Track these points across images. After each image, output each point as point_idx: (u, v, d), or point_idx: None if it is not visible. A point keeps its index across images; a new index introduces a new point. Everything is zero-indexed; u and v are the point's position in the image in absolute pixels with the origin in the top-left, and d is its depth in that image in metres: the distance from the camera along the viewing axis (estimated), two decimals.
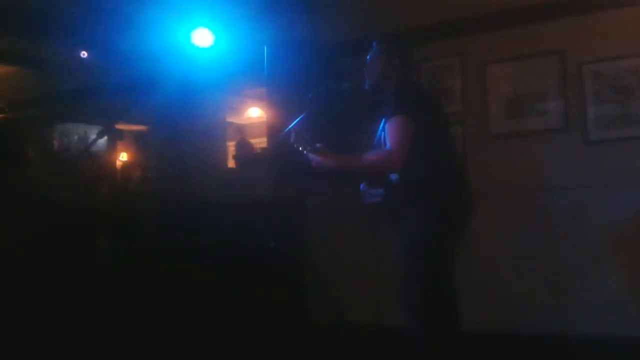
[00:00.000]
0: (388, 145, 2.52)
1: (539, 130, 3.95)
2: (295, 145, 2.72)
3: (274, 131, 4.44)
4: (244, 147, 7.30)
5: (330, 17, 4.57)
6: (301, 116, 2.78)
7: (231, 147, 6.99)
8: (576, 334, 3.64)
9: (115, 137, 5.71)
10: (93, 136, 5.78)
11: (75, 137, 6.34)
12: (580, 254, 3.73)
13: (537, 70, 3.97)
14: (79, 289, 3.89)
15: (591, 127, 3.79)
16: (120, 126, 6.27)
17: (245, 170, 5.31)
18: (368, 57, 2.84)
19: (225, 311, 4.03)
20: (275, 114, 4.51)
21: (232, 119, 7.75)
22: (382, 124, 2.68)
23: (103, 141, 5.64)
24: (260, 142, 6.67)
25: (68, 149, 6.10)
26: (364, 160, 2.65)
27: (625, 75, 3.69)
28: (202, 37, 4.58)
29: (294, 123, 2.82)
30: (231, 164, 6.15)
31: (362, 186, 2.82)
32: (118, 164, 6.18)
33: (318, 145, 2.67)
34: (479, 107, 4.15)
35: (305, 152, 2.71)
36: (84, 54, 5.43)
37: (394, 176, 2.66)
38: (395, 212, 2.65)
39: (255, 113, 7.67)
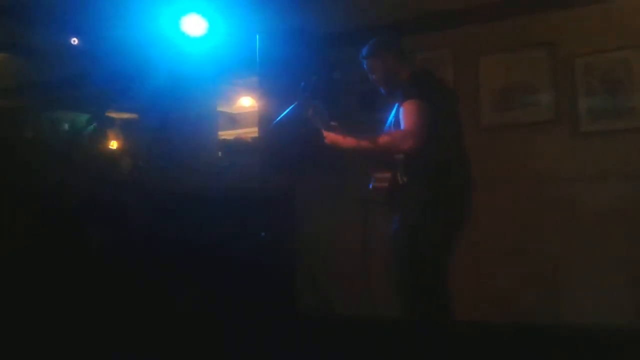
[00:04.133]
0: (402, 127, 2.46)
1: (530, 122, 3.96)
2: (312, 121, 2.64)
3: (265, 121, 4.43)
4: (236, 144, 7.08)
5: (322, 7, 4.55)
6: (293, 105, 2.77)
7: (223, 136, 6.95)
8: (567, 324, 3.67)
9: (106, 125, 5.67)
10: (83, 124, 5.74)
11: (66, 125, 6.29)
12: (569, 244, 3.76)
13: (528, 62, 3.98)
14: (67, 277, 3.87)
15: (582, 119, 3.81)
16: (110, 114, 6.22)
17: (236, 160, 5.28)
18: (365, 67, 2.77)
19: (214, 301, 4.03)
20: (267, 103, 4.49)
21: (223, 108, 7.70)
22: (393, 111, 2.64)
23: (93, 129, 5.60)
24: (251, 132, 6.64)
25: (58, 137, 6.05)
26: (379, 141, 2.58)
27: (616, 67, 3.71)
28: (195, 26, 4.56)
29: (285, 112, 2.81)
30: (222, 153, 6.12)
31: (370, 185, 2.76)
32: (108, 152, 6.12)
33: (333, 123, 2.60)
34: (470, 99, 4.15)
35: (321, 129, 2.64)
36: (74, 41, 5.37)
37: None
38: (400, 198, 2.60)
39: (246, 102, 7.62)
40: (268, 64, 4.38)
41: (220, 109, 7.22)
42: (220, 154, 5.95)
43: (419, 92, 2.45)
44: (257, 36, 4.40)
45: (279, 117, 2.82)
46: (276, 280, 4.28)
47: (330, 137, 2.64)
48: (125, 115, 6.55)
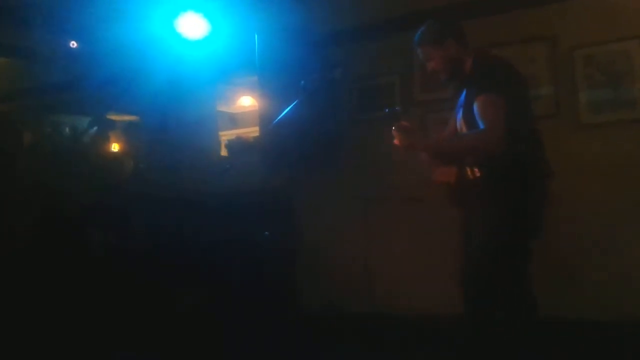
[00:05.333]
0: (482, 125, 2.33)
1: None
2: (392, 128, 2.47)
3: (266, 120, 4.43)
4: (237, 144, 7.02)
5: (321, 5, 4.54)
6: (293, 104, 2.77)
7: (223, 137, 6.95)
8: (571, 320, 3.66)
9: (107, 128, 5.66)
10: (84, 127, 5.73)
11: (66, 129, 6.28)
12: (570, 239, 3.75)
13: (528, 56, 3.96)
14: (68, 278, 3.88)
15: (583, 112, 3.80)
16: (111, 116, 6.22)
17: (237, 159, 5.28)
18: (421, 57, 2.62)
19: (214, 301, 4.03)
20: (267, 102, 4.49)
21: (224, 108, 7.71)
22: (462, 96, 2.55)
23: (94, 132, 5.59)
24: (252, 131, 6.66)
25: (59, 140, 6.05)
26: (461, 142, 2.49)
27: (616, 59, 3.70)
28: (194, 27, 4.56)
29: (285, 111, 2.81)
30: (223, 152, 6.12)
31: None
32: (110, 154, 6.13)
33: (404, 123, 2.42)
34: None
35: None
36: (73, 44, 5.37)
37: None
38: (469, 194, 2.51)
39: (247, 102, 7.63)
40: (268, 63, 4.38)
41: (220, 108, 7.22)
42: (222, 154, 5.95)
43: (494, 84, 2.35)
44: (256, 35, 4.40)
45: (280, 116, 2.82)
46: (276, 280, 4.28)
47: (407, 143, 2.45)
48: (127, 118, 6.55)
